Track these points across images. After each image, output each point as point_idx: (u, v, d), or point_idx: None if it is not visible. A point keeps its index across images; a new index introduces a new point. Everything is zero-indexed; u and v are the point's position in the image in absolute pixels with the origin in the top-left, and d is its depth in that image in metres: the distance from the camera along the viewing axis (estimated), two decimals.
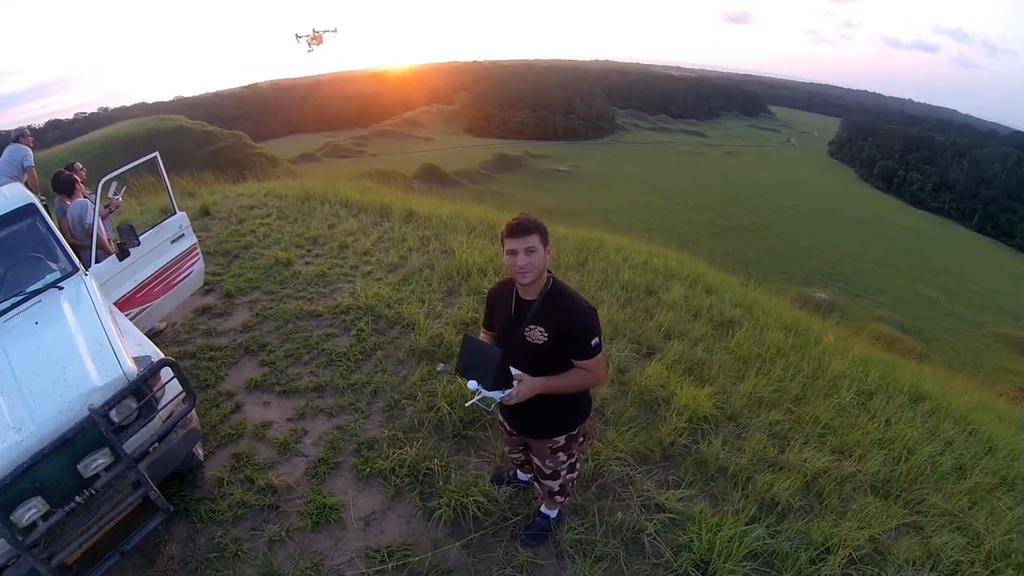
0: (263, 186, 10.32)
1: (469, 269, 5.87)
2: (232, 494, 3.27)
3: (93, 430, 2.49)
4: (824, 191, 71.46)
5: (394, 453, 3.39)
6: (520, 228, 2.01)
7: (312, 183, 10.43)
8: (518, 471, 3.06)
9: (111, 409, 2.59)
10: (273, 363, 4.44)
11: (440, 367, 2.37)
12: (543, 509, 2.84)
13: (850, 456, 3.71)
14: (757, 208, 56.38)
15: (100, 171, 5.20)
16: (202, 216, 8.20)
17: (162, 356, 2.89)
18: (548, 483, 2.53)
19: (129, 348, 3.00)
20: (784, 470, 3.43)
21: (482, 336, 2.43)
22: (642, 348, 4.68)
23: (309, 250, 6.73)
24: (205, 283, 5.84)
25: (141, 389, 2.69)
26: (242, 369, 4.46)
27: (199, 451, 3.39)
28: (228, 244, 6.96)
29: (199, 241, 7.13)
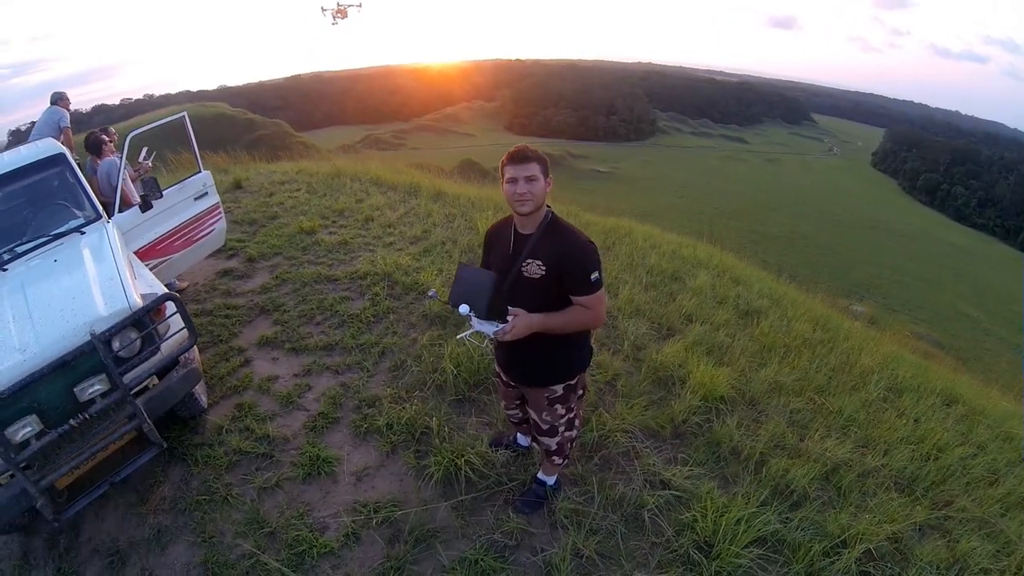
0: (296, 164, 10.43)
1: None
2: (229, 441, 3.27)
3: (93, 356, 2.52)
4: (866, 202, 69.04)
5: (394, 410, 3.34)
6: (521, 155, 1.93)
7: (344, 162, 10.48)
8: (518, 435, 2.94)
9: (113, 337, 2.62)
10: (286, 322, 4.46)
11: (431, 293, 2.20)
12: (540, 475, 2.71)
13: (874, 450, 3.47)
14: (797, 216, 54.85)
15: (153, 146, 5.29)
16: (233, 189, 8.34)
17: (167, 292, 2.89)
18: (545, 440, 2.40)
19: (140, 287, 3.05)
20: (802, 457, 3.22)
21: None
22: (662, 328, 4.52)
23: (334, 221, 6.75)
24: (229, 248, 5.94)
25: (143, 321, 2.72)
26: (256, 327, 4.48)
27: (203, 398, 3.41)
28: (255, 214, 7.06)
29: (228, 211, 7.29)
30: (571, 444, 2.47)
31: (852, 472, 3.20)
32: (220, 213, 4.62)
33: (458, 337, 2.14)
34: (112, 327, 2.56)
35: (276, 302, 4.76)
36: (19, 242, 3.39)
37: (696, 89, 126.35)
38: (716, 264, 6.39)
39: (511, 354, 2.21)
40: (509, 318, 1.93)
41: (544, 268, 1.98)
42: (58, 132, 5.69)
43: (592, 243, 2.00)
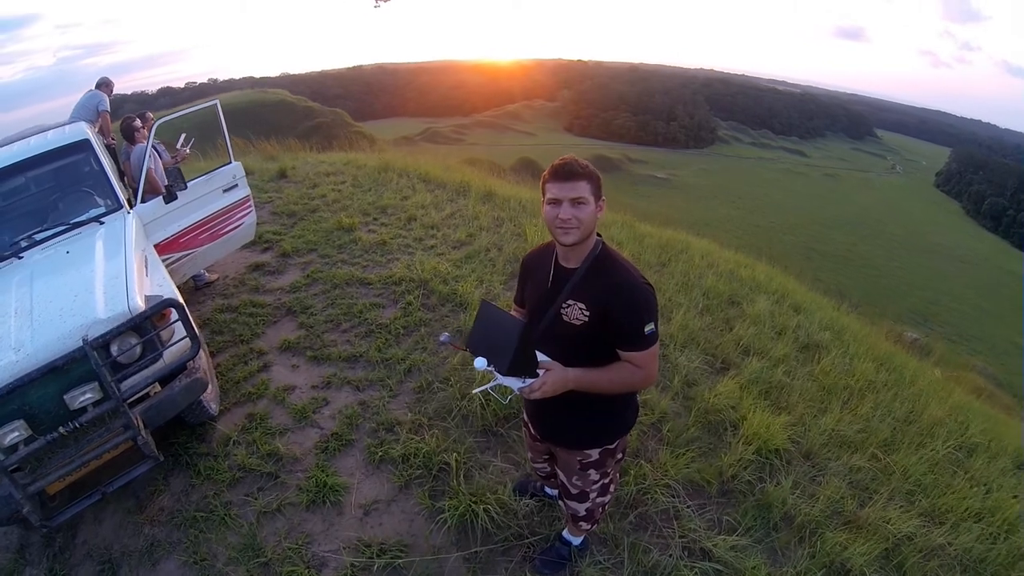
0: (345, 156, 10.24)
1: None
2: (235, 455, 3.07)
3: (85, 362, 2.33)
4: (927, 224, 65.49)
5: (412, 440, 3.04)
6: (567, 171, 1.54)
7: (393, 156, 10.24)
8: (545, 484, 2.60)
9: (110, 343, 2.44)
10: (312, 327, 4.24)
11: (443, 337, 1.76)
12: (565, 534, 2.36)
13: (941, 524, 2.99)
14: (854, 235, 52.52)
15: (199, 135, 5.21)
16: (278, 179, 8.26)
17: (172, 297, 2.69)
18: (573, 505, 2.04)
19: (148, 287, 2.87)
20: (862, 530, 2.77)
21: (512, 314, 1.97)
22: (716, 361, 4.09)
23: (375, 218, 6.52)
24: (264, 240, 5.81)
25: (143, 326, 2.52)
26: (280, 329, 4.29)
27: (212, 405, 3.21)
28: (296, 206, 6.91)
29: (269, 201, 7.20)
30: (602, 509, 2.10)
31: (915, 550, 2.73)
32: (250, 206, 4.43)
33: (475, 391, 1.75)
34: (108, 332, 2.37)
35: (304, 303, 4.56)
36: (40, 229, 3.29)
37: (758, 98, 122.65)
38: (776, 288, 5.89)
39: (541, 408, 1.83)
40: (540, 371, 1.57)
41: (588, 313, 1.61)
42: (96, 116, 5.67)
43: (649, 286, 1.61)
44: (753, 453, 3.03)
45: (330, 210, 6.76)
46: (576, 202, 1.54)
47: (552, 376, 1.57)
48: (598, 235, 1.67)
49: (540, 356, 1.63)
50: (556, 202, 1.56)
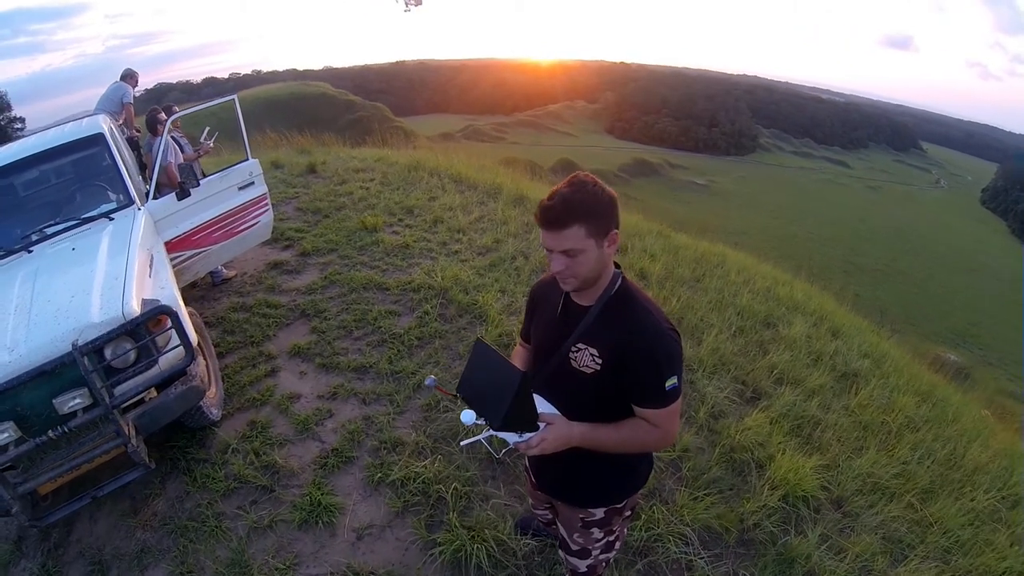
0: (377, 152, 10.13)
1: None
2: (233, 463, 2.98)
3: (76, 367, 2.27)
4: (970, 242, 62.57)
5: (413, 464, 2.89)
6: (552, 217, 1.26)
7: (425, 154, 10.10)
8: (547, 528, 2.40)
9: (103, 347, 2.38)
10: (324, 332, 4.13)
11: (429, 381, 1.48)
12: None
13: None
14: (895, 250, 50.64)
15: (228, 129, 5.17)
16: (307, 173, 8.20)
17: (166, 304, 2.60)
18: (573, 561, 1.83)
19: (150, 289, 2.79)
20: None
21: (518, 351, 1.75)
22: (747, 390, 3.83)
23: (400, 219, 6.38)
24: (286, 238, 5.75)
25: (138, 331, 2.44)
26: (292, 332, 4.20)
27: (213, 410, 3.13)
28: (322, 203, 6.83)
29: (295, 197, 7.16)
30: (606, 565, 1.89)
31: None
32: (267, 204, 4.35)
33: (463, 444, 1.51)
34: (99, 337, 2.31)
35: (319, 306, 4.46)
36: (51, 222, 3.26)
37: (801, 107, 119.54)
38: (814, 309, 5.56)
39: (542, 459, 1.56)
40: (541, 424, 1.35)
41: (600, 361, 1.39)
42: (120, 107, 5.68)
43: (674, 331, 1.37)
44: (779, 499, 2.78)
45: (356, 209, 6.65)
46: (570, 254, 1.30)
47: (554, 432, 1.35)
48: (617, 266, 1.44)
49: (544, 406, 1.42)
50: (549, 250, 1.33)
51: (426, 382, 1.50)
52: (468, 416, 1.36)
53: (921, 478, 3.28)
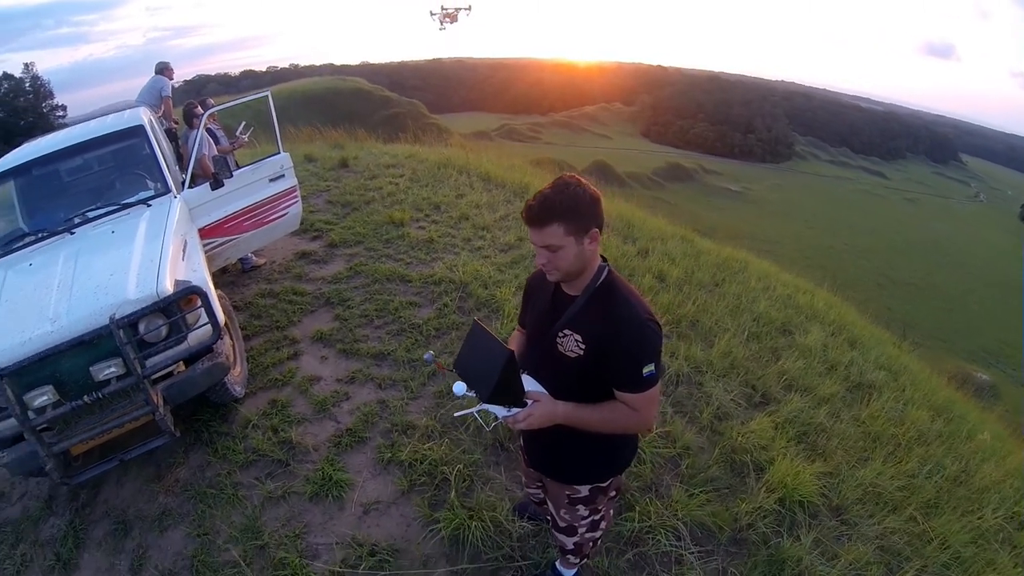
0: (409, 148, 10.32)
1: None
2: (252, 438, 3.17)
3: (112, 338, 2.47)
4: (1009, 258, 59.71)
5: (421, 446, 3.02)
6: (534, 215, 1.40)
7: (455, 152, 10.21)
8: (539, 510, 2.52)
9: (138, 322, 2.57)
10: (346, 319, 4.31)
11: (427, 356, 1.69)
12: (558, 564, 2.25)
13: None
14: (930, 264, 48.85)
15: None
16: (339, 168, 8.42)
17: (197, 284, 2.79)
18: (561, 537, 1.95)
19: (183, 272, 2.98)
20: None
21: (515, 335, 1.87)
22: (755, 395, 3.85)
23: (427, 215, 6.53)
24: (315, 229, 5.95)
25: (170, 309, 2.63)
26: (316, 319, 4.38)
27: (236, 388, 3.31)
28: (351, 196, 7.03)
29: (326, 190, 7.37)
30: (593, 544, 1.99)
31: None
32: (296, 196, 4.54)
33: (456, 415, 1.68)
34: (135, 312, 2.50)
35: (343, 295, 4.64)
36: (92, 207, 3.48)
37: (839, 115, 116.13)
38: (833, 319, 5.51)
39: (533, 436, 1.73)
40: (528, 401, 1.49)
41: (583, 347, 1.50)
42: (159, 100, 5.92)
43: (653, 322, 1.46)
44: (775, 502, 2.80)
45: (384, 203, 6.83)
46: (550, 249, 1.42)
47: (539, 408, 1.49)
48: (603, 259, 1.55)
49: (533, 385, 1.55)
50: (534, 243, 1.46)
51: (424, 357, 1.67)
52: (459, 387, 1.51)
53: (927, 492, 3.25)
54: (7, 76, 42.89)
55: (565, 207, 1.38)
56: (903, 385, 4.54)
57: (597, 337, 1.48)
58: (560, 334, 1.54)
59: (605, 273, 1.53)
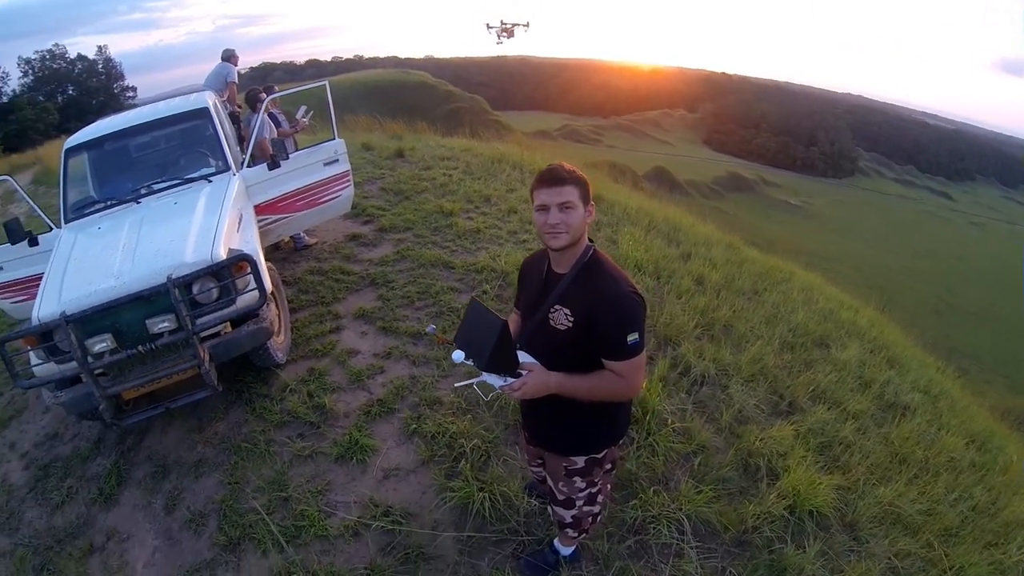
0: (465, 142, 10.48)
1: (626, 263, 5.25)
2: (289, 401, 3.39)
3: (167, 296, 2.73)
4: None
5: (445, 420, 3.17)
6: (553, 176, 1.59)
7: (511, 147, 10.30)
8: (542, 488, 2.62)
9: (192, 283, 2.83)
10: (388, 299, 4.50)
11: (430, 328, 1.91)
12: (556, 543, 2.36)
13: None
14: (994, 293, 45.50)
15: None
16: (395, 157, 8.66)
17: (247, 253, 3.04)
18: (559, 511, 2.04)
19: (236, 242, 3.25)
20: None
21: (512, 318, 1.99)
22: (782, 403, 3.81)
23: (477, 207, 6.65)
24: (366, 214, 6.18)
25: (222, 273, 2.87)
26: (360, 297, 4.60)
27: (278, 354, 3.55)
28: (405, 185, 7.23)
29: (381, 177, 7.62)
30: (592, 519, 2.08)
31: None
32: (349, 181, 4.76)
33: (456, 386, 1.84)
34: (189, 274, 2.77)
35: (388, 277, 4.83)
36: (158, 180, 3.81)
37: (906, 131, 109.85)
38: (875, 337, 5.35)
39: (531, 409, 1.89)
40: (522, 371, 1.62)
41: (572, 319, 1.64)
42: (224, 85, 6.26)
43: (636, 295, 1.61)
44: (785, 509, 2.78)
45: (436, 193, 7.00)
46: (564, 207, 1.58)
47: (533, 377, 1.61)
48: (590, 241, 1.69)
49: (526, 358, 1.67)
50: (544, 208, 1.60)
51: (427, 329, 1.83)
52: (458, 355, 1.67)
53: (949, 519, 3.13)
54: (81, 57, 45.97)
55: (577, 176, 1.60)
56: (940, 410, 4.39)
57: (585, 310, 1.62)
58: (552, 309, 1.68)
59: (591, 251, 1.67)
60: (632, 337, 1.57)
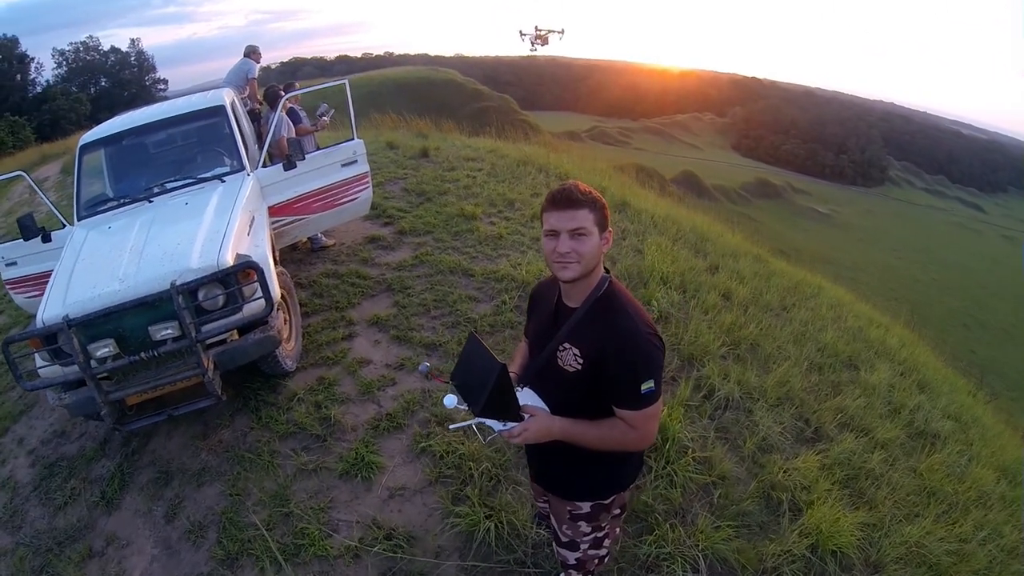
0: (491, 143, 10.34)
1: (651, 275, 5.06)
2: (296, 411, 3.32)
3: (170, 302, 2.67)
4: None
5: (455, 440, 3.05)
6: (566, 198, 1.39)
7: (537, 150, 10.15)
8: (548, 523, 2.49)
9: (196, 289, 2.77)
10: (404, 307, 4.39)
11: (423, 367, 1.69)
12: None
13: None
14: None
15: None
16: (419, 157, 8.56)
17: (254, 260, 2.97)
18: (563, 552, 1.90)
19: (247, 246, 3.17)
20: None
21: (520, 347, 1.85)
22: (807, 430, 3.64)
23: (500, 211, 6.51)
24: (386, 215, 6.10)
25: (228, 280, 2.80)
26: (375, 303, 4.50)
27: (288, 361, 3.47)
28: (427, 186, 7.12)
29: (403, 178, 7.53)
30: (599, 561, 1.92)
31: None
32: (367, 182, 4.68)
33: (452, 428, 1.68)
34: (194, 280, 2.70)
35: (404, 283, 4.73)
36: (171, 179, 3.77)
37: (938, 140, 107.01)
38: (905, 358, 5.13)
39: (535, 450, 1.73)
40: (525, 415, 1.46)
41: (581, 361, 1.46)
42: (245, 82, 6.21)
43: (655, 337, 1.43)
44: (807, 548, 2.63)
45: (458, 195, 6.87)
46: (576, 233, 1.39)
47: (535, 424, 1.46)
48: (606, 271, 1.52)
49: (532, 399, 1.53)
50: (554, 233, 1.41)
51: (419, 368, 1.66)
52: (450, 400, 1.51)
53: (978, 560, 2.95)
54: (114, 50, 47.03)
55: (594, 198, 1.41)
56: (971, 439, 4.18)
57: (595, 351, 1.45)
58: (560, 348, 1.52)
59: (607, 284, 1.50)
60: (647, 385, 1.40)
